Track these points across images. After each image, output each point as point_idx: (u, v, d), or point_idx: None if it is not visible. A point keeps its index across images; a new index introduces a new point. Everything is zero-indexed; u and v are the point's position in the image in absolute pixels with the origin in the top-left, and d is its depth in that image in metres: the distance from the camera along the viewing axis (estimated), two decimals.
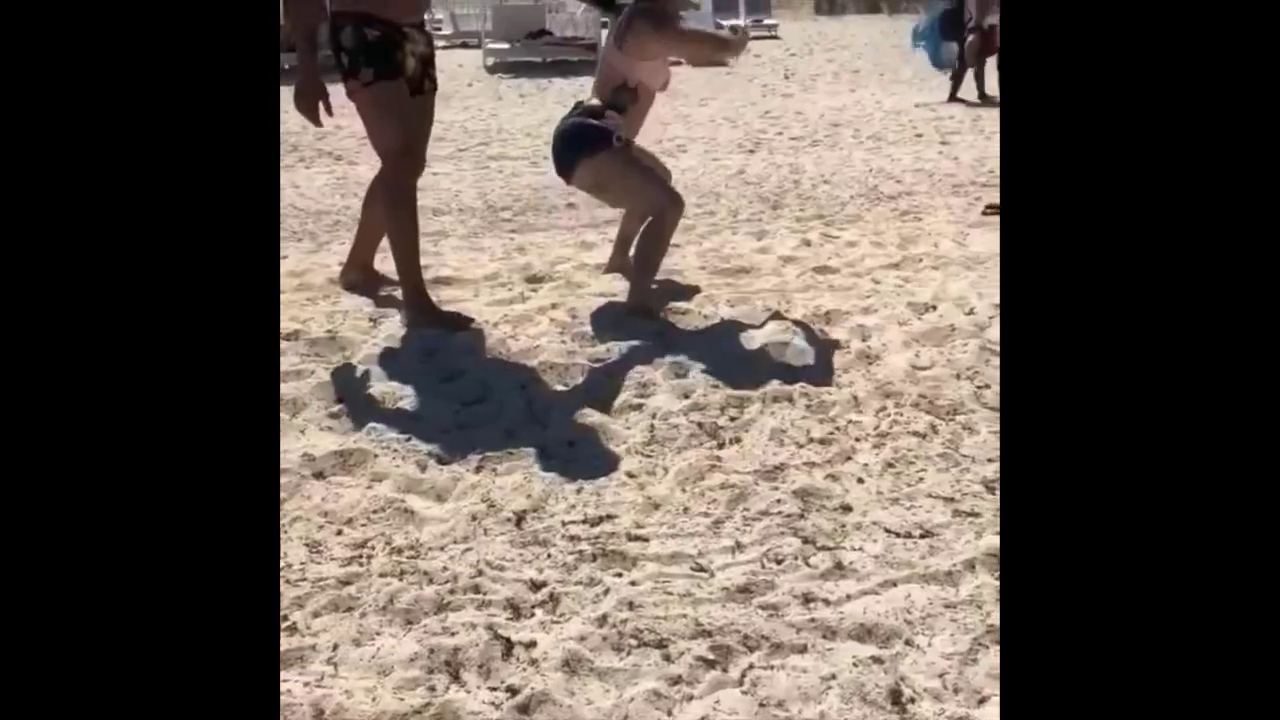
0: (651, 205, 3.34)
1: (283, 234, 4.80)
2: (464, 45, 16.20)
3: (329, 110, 3.13)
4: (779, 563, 2.02)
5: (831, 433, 2.55)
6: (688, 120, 8.53)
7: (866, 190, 5.57)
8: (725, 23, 18.22)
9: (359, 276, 3.72)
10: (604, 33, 3.44)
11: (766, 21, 19.62)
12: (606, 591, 1.93)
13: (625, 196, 3.53)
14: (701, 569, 2.00)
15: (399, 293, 3.40)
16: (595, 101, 3.41)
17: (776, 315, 3.32)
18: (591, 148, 3.31)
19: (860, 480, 2.33)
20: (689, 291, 3.64)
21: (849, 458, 2.44)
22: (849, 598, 1.91)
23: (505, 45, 13.97)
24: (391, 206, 3.27)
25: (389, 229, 3.34)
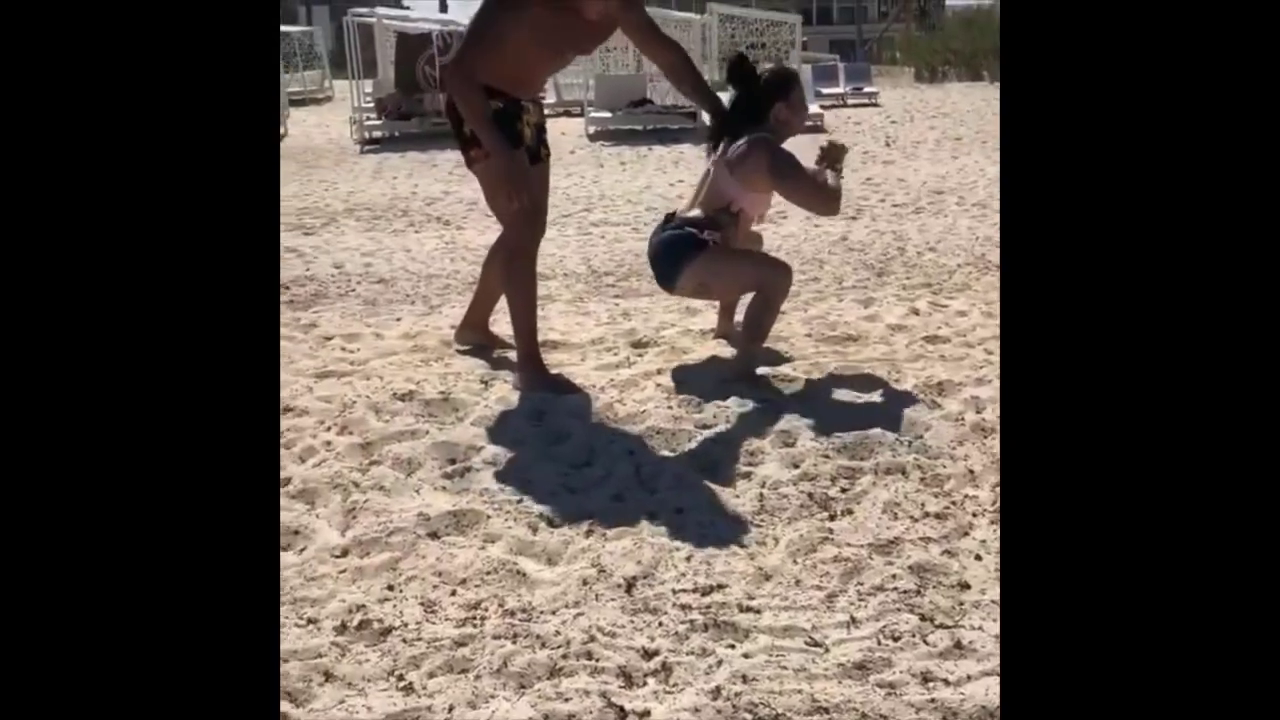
0: (759, 281, 3.35)
1: (395, 297, 4.95)
2: (567, 114, 16.60)
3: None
4: (896, 639, 1.97)
5: (947, 507, 2.50)
6: None
7: (974, 258, 5.50)
8: (826, 90, 18.37)
9: (475, 336, 3.81)
10: (704, 115, 3.45)
11: (867, 89, 19.68)
12: (719, 663, 1.90)
13: (733, 287, 3.54)
14: (816, 643, 1.97)
15: (511, 354, 3.47)
16: (694, 213, 3.42)
17: (887, 385, 3.28)
18: (689, 255, 3.33)
19: (978, 557, 2.27)
20: (796, 359, 3.63)
21: (966, 533, 2.38)
22: (969, 678, 1.85)
23: (607, 114, 14.28)
24: (511, 272, 3.36)
25: (507, 293, 3.42)
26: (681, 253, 3.35)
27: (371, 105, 14.93)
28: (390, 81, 15.50)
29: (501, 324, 3.87)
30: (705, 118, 3.64)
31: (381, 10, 18.65)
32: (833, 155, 3.44)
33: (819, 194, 3.41)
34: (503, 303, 3.54)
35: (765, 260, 3.47)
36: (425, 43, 14.92)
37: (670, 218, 3.50)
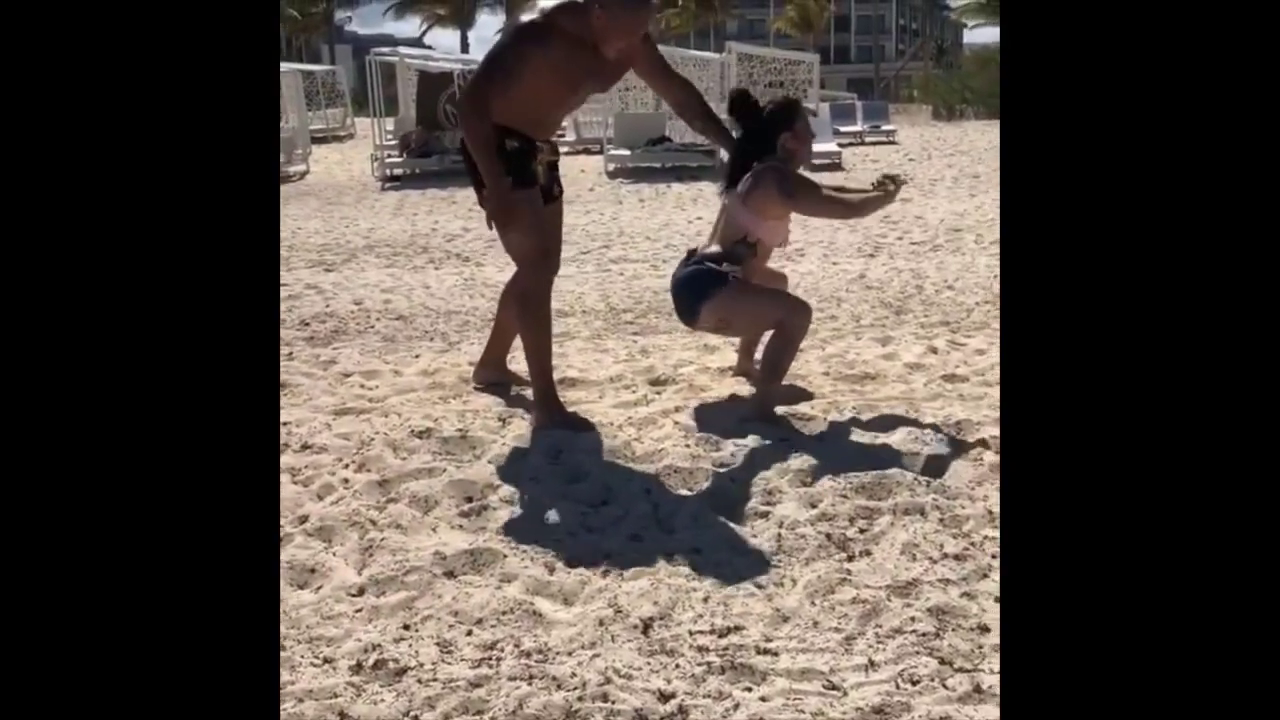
0: (778, 319, 3.36)
1: (414, 334, 4.97)
2: (586, 151, 16.74)
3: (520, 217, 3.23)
4: (915, 683, 1.95)
5: (966, 548, 2.48)
6: (805, 225, 8.57)
7: (992, 297, 5.49)
8: (844, 128, 18.45)
9: (492, 373, 3.82)
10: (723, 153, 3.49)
11: (885, 127, 19.77)
12: (736, 706, 1.89)
13: (753, 324, 3.55)
14: (834, 687, 1.95)
15: (529, 392, 3.47)
16: (713, 249, 3.45)
17: (905, 424, 3.27)
18: (711, 291, 3.35)
19: (998, 599, 2.25)
20: (814, 398, 3.62)
21: (985, 575, 2.36)
22: None
23: (626, 151, 14.38)
24: (525, 310, 3.36)
25: (522, 331, 3.43)
26: (702, 289, 3.37)
27: (393, 143, 15.09)
28: (412, 119, 15.68)
29: (519, 361, 3.89)
30: (724, 155, 3.65)
31: (404, 50, 18.91)
32: (891, 184, 3.43)
33: (834, 205, 3.44)
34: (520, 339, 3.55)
35: (785, 298, 3.48)
36: (446, 81, 15.10)
37: (691, 254, 3.52)
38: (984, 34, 55.30)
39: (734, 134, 3.53)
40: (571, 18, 3.09)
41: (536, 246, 3.25)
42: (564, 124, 19.59)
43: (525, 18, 3.12)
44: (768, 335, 3.46)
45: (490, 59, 3.15)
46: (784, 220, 3.48)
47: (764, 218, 3.38)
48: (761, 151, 3.41)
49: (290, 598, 2.32)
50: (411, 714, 1.89)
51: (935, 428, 3.23)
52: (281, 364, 4.15)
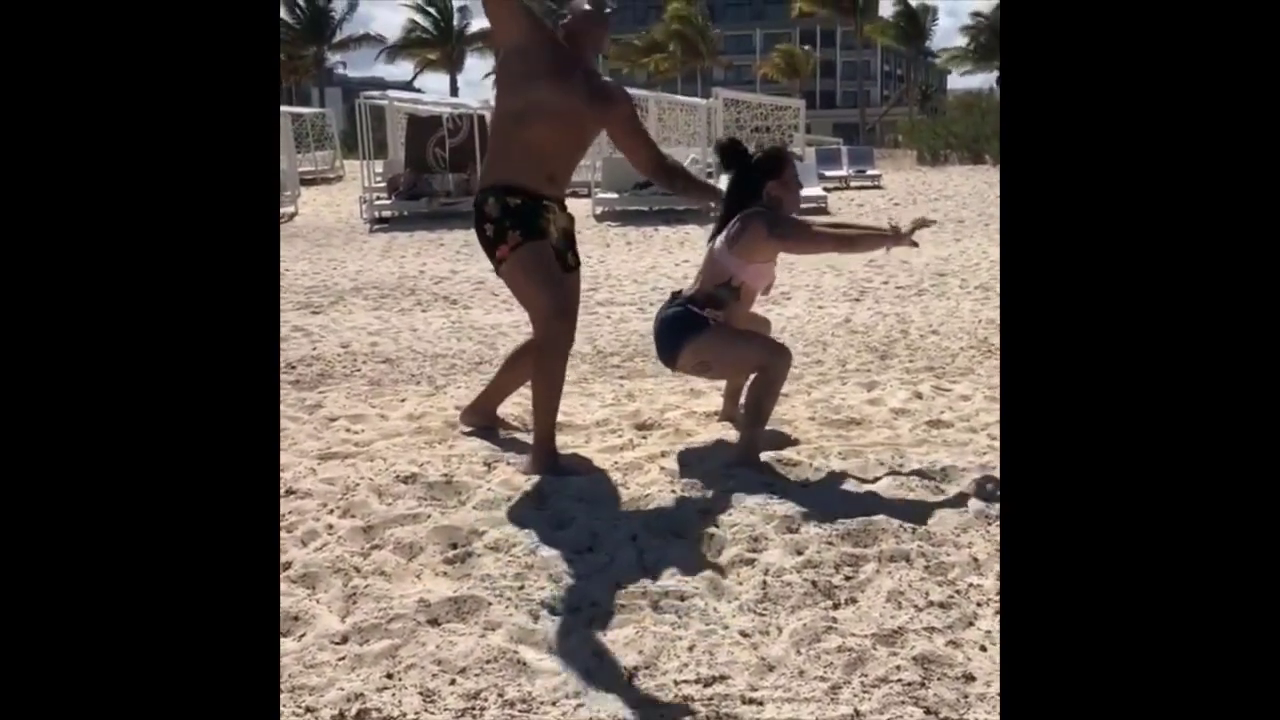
0: (758, 363, 3.38)
1: (400, 377, 4.97)
2: (574, 195, 16.87)
3: None
4: None
5: (951, 596, 2.48)
6: (791, 268, 8.64)
7: (977, 342, 5.53)
8: (830, 173, 18.63)
9: (482, 419, 3.81)
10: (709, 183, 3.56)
11: (870, 172, 19.96)
12: None
13: (733, 367, 3.56)
14: None
15: (517, 435, 3.46)
16: (696, 292, 3.48)
17: (890, 470, 3.28)
18: (691, 333, 3.38)
19: (983, 648, 2.25)
20: (799, 443, 3.63)
21: (970, 623, 2.36)
22: None
23: (614, 195, 14.49)
24: (542, 364, 3.29)
25: (535, 384, 3.34)
26: (683, 331, 3.40)
27: (382, 185, 15.17)
28: (401, 162, 15.77)
29: (508, 404, 3.89)
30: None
31: (393, 93, 19.06)
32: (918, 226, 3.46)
33: (825, 241, 3.47)
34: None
35: (765, 343, 3.50)
36: (435, 124, 15.22)
37: (675, 296, 3.55)
38: (968, 80, 56.07)
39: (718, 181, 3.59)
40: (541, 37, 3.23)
41: (554, 303, 3.20)
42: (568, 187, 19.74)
43: (608, 81, 3.40)
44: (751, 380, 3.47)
45: (641, 128, 3.48)
46: (769, 265, 3.51)
47: (749, 261, 3.41)
48: (749, 199, 3.45)
49: None
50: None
51: (920, 474, 3.24)
52: None
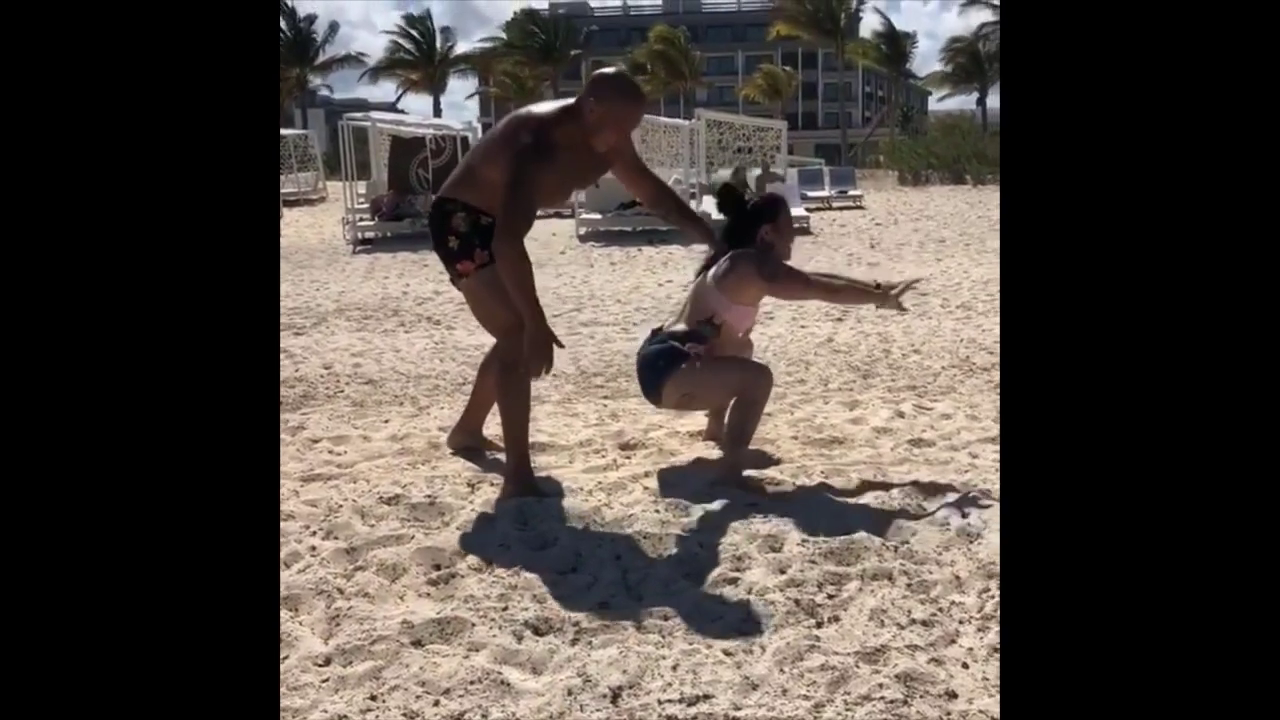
0: (740, 386, 3.40)
1: (384, 398, 4.97)
2: (558, 215, 16.89)
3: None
4: None
5: (934, 614, 2.49)
6: None
7: (958, 361, 5.57)
8: (812, 194, 18.74)
9: (468, 439, 3.81)
10: (693, 205, 3.58)
11: (851, 192, 20.10)
12: None
13: (717, 394, 3.57)
14: None
15: (501, 457, 3.47)
16: (679, 327, 3.51)
17: (872, 488, 3.30)
18: (671, 369, 3.40)
19: (965, 665, 2.26)
20: (782, 462, 3.64)
21: (953, 641, 2.37)
22: None
23: (598, 215, 14.54)
24: (506, 384, 3.31)
25: (500, 403, 3.38)
26: (664, 367, 3.42)
27: (364, 206, 15.16)
28: (384, 183, 15.79)
29: (494, 425, 3.89)
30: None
31: (376, 114, 19.09)
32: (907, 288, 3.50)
33: (813, 288, 3.50)
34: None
35: (744, 364, 3.52)
36: (418, 145, 15.25)
37: (656, 333, 3.57)
38: (949, 102, 56.68)
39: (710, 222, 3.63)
40: (565, 124, 3.15)
41: (517, 320, 3.21)
42: None
43: (524, 139, 3.11)
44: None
45: (513, 193, 3.08)
46: (753, 307, 3.55)
47: (735, 302, 3.44)
48: (742, 241, 3.49)
49: None
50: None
51: (902, 492, 3.25)
52: None
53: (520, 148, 3.10)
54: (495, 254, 3.10)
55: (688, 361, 3.38)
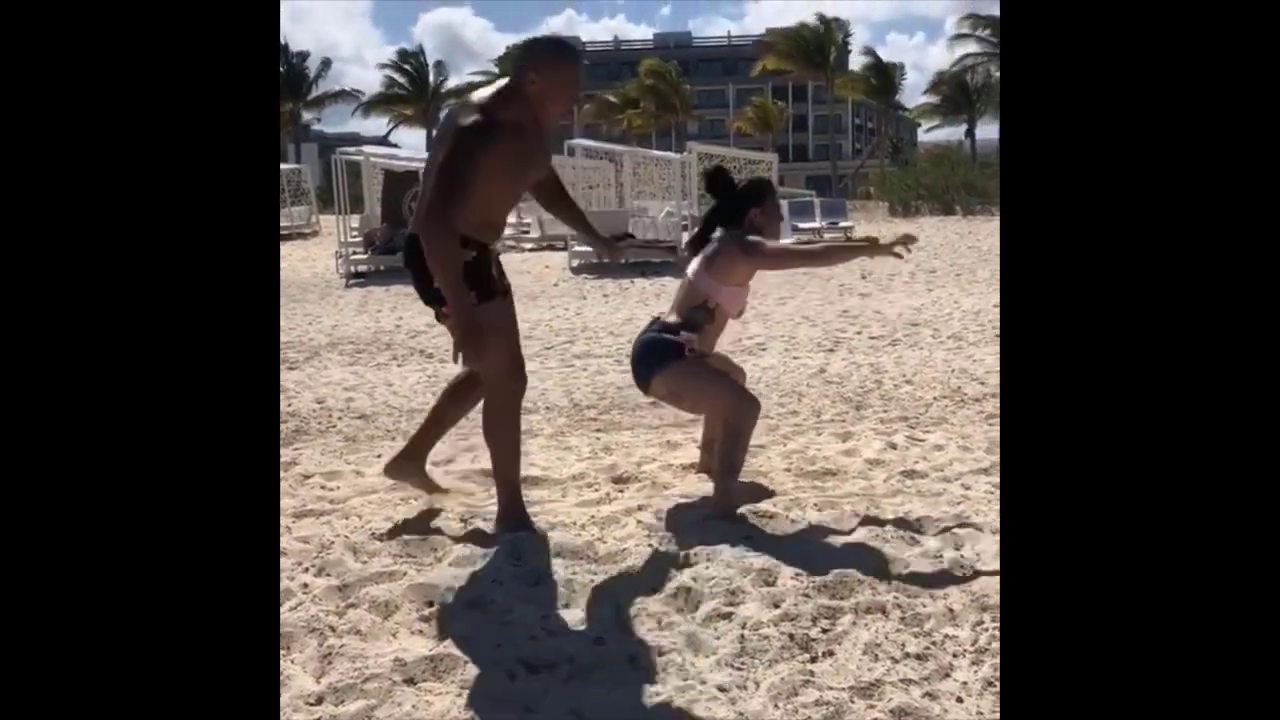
0: (726, 409, 3.42)
1: (376, 433, 4.96)
2: (550, 247, 16.95)
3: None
4: None
5: (927, 647, 2.48)
6: (767, 319, 8.71)
7: (950, 391, 5.58)
8: (803, 225, 18.84)
9: (411, 471, 3.59)
10: (684, 236, 3.65)
11: (842, 224, 20.21)
12: None
13: (700, 402, 3.62)
14: None
15: (493, 492, 3.43)
16: (673, 318, 3.55)
17: (866, 521, 3.30)
18: (666, 360, 3.45)
19: (959, 699, 2.25)
20: (775, 494, 3.64)
21: (947, 674, 2.36)
22: None
23: (591, 248, 14.56)
24: (497, 425, 3.25)
25: (490, 442, 3.30)
26: (658, 357, 3.47)
27: (358, 240, 15.20)
28: (377, 216, 15.84)
29: (467, 461, 3.88)
30: (683, 249, 3.78)
31: (369, 148, 19.18)
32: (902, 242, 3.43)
33: (797, 256, 3.53)
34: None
35: (735, 389, 3.52)
36: (411, 179, 15.32)
37: (655, 320, 3.64)
38: (937, 133, 57.14)
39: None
40: (508, 105, 3.00)
41: (509, 360, 3.18)
42: (528, 220, 19.89)
43: (464, 119, 2.96)
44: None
45: (445, 171, 2.91)
46: (743, 288, 3.59)
47: (725, 284, 3.48)
48: (730, 223, 3.55)
49: None
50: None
51: (896, 525, 3.25)
52: None
53: (459, 128, 2.95)
54: (420, 233, 2.92)
55: (684, 358, 3.43)
